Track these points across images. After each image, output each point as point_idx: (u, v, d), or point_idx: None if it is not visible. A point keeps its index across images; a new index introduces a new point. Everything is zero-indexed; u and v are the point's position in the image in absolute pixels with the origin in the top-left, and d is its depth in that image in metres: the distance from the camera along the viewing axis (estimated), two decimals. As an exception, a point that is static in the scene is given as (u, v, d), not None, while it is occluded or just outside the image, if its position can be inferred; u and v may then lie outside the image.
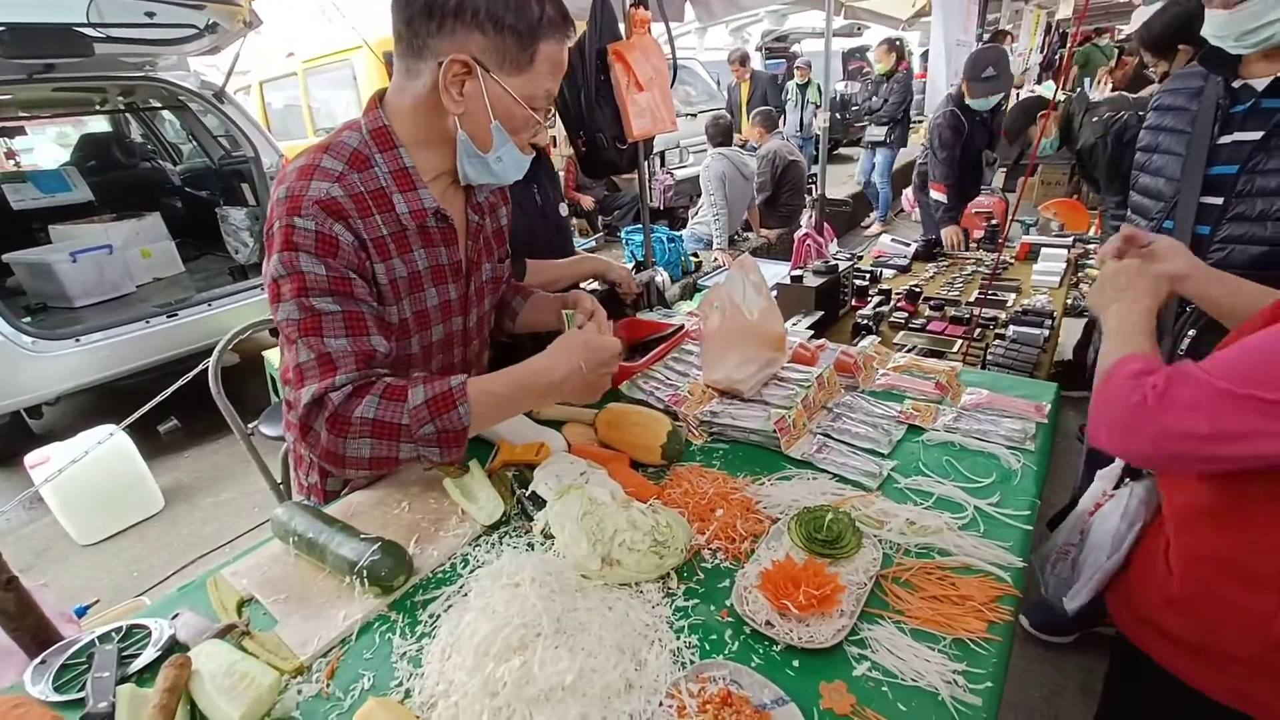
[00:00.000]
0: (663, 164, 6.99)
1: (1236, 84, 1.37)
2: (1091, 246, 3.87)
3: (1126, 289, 0.97)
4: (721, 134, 4.83)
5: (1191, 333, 1.26)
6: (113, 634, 0.91)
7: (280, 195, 0.98)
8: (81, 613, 1.90)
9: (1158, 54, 2.29)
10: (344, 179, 0.99)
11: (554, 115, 1.11)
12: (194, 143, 5.09)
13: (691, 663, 0.81)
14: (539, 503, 1.10)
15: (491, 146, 1.02)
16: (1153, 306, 0.95)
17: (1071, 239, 3.66)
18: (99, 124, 5.79)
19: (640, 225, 5.19)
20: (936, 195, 3.69)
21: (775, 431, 1.23)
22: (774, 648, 0.83)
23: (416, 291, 1.11)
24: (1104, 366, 0.87)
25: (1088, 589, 0.98)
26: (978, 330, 2.47)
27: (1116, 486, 1.05)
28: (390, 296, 1.06)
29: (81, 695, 0.80)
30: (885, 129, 6.62)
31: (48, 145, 7.67)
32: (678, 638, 0.85)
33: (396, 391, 0.98)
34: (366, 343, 1.00)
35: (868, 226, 7.13)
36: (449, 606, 0.93)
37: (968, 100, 3.45)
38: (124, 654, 0.87)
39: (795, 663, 0.81)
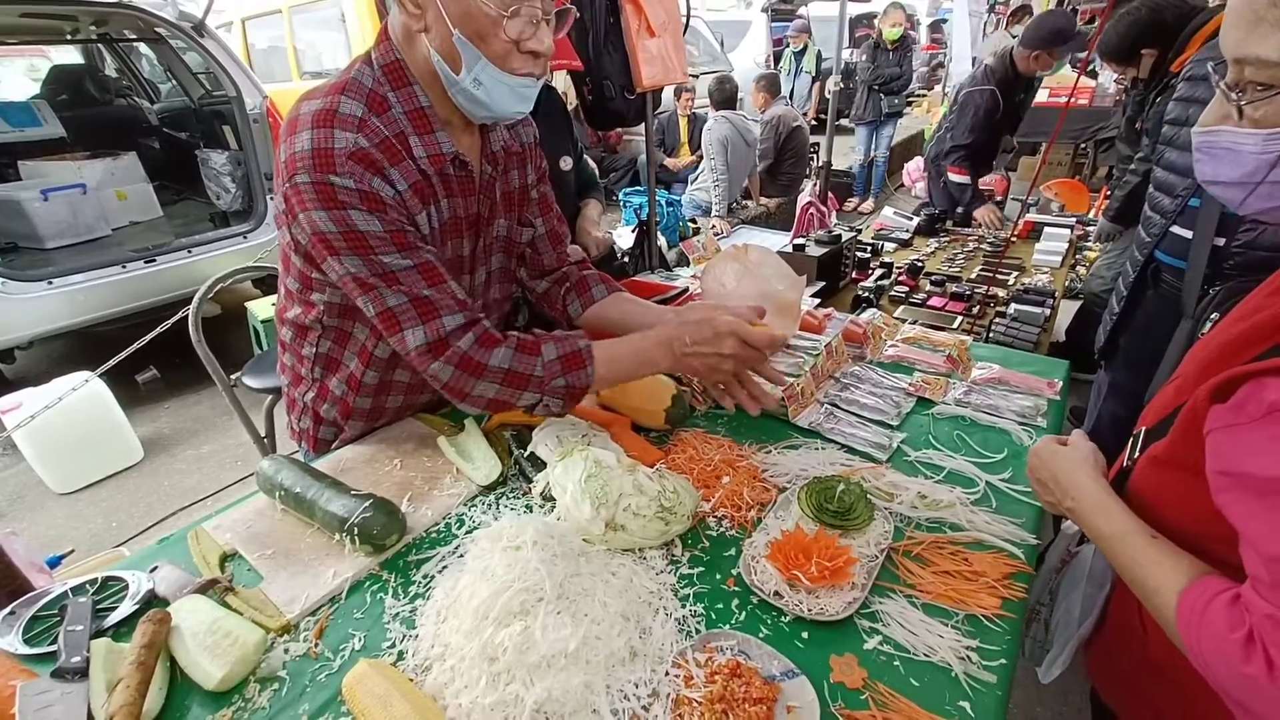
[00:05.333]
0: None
1: (1278, 55, 1.31)
2: (1091, 229, 3.84)
3: (1068, 488, 0.81)
4: (725, 97, 4.69)
5: (1214, 316, 1.23)
6: (87, 586, 0.87)
7: (304, 147, 0.87)
8: (54, 563, 1.85)
9: (1121, 62, 2.29)
10: (366, 125, 0.90)
11: (549, 15, 0.91)
12: (173, 80, 4.83)
13: (697, 632, 0.78)
14: (538, 464, 1.06)
15: (462, 66, 0.89)
16: (1094, 486, 0.78)
17: (1073, 220, 3.62)
18: (71, 55, 5.48)
19: (638, 187, 5.08)
20: (958, 178, 3.49)
21: (783, 399, 1.19)
22: (782, 619, 0.81)
23: (441, 246, 1.03)
24: (1152, 602, 0.68)
25: (1063, 658, 0.89)
26: (978, 307, 2.44)
27: (1081, 543, 0.95)
28: (433, 246, 0.99)
29: (53, 649, 0.76)
30: (901, 99, 6.15)
31: (16, 77, 7.26)
32: (683, 606, 0.82)
33: (529, 346, 0.99)
34: (449, 289, 0.96)
35: (857, 206, 6.74)
36: (444, 568, 0.89)
37: (1039, 73, 3.18)
38: (99, 607, 0.83)
39: (804, 634, 0.79)
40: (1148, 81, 2.21)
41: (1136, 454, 0.79)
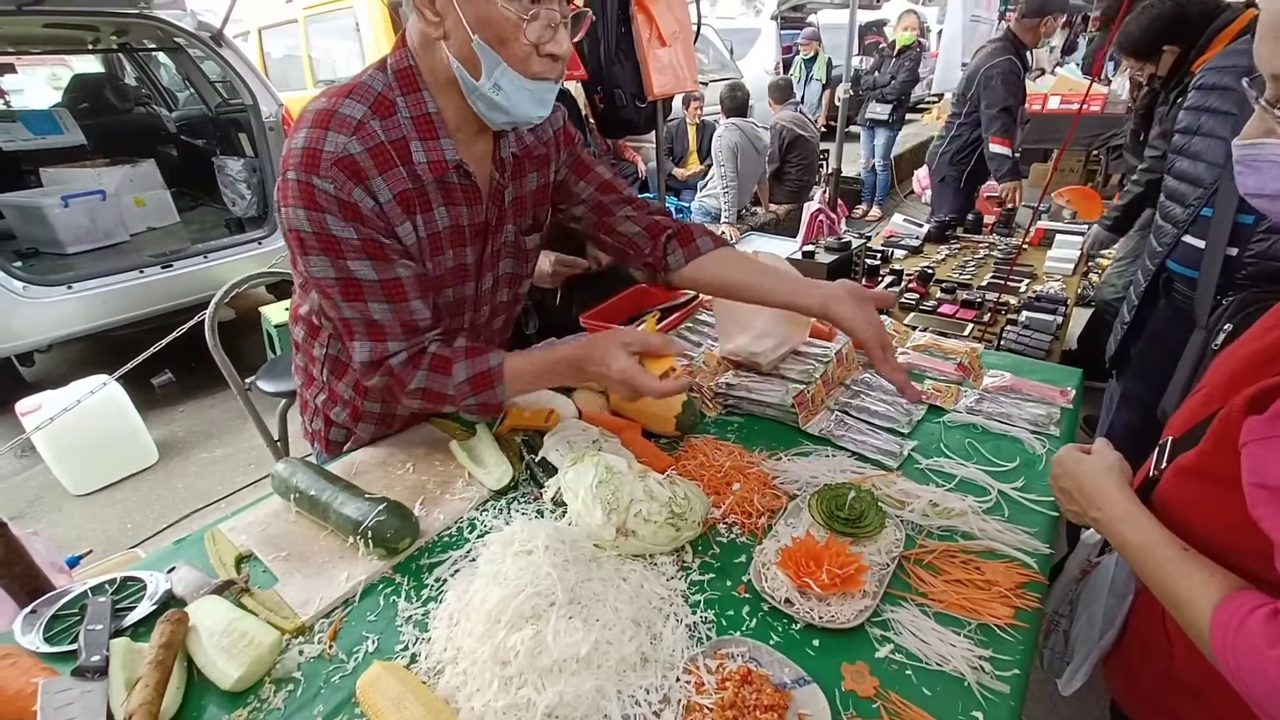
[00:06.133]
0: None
1: (1293, 63, 1.30)
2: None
3: (1093, 498, 0.80)
4: (736, 104, 4.71)
5: (1228, 327, 1.22)
6: (106, 586, 0.88)
7: (298, 144, 0.89)
8: (74, 563, 1.87)
9: (1141, 58, 2.22)
10: (363, 128, 0.91)
11: (566, 19, 0.91)
12: (190, 89, 4.92)
13: (708, 638, 0.79)
14: (549, 469, 1.07)
15: (482, 71, 0.89)
16: (1120, 496, 0.77)
17: (1086, 227, 3.60)
18: (92, 65, 5.59)
19: (647, 195, 5.10)
20: (1000, 149, 3.59)
21: (794, 406, 1.19)
22: (793, 626, 0.81)
23: (436, 255, 1.02)
24: (1184, 615, 0.67)
25: (1084, 670, 0.88)
26: (989, 315, 2.43)
27: (1102, 553, 0.93)
28: (415, 257, 1.00)
29: (74, 647, 0.77)
30: (889, 108, 6.13)
31: (39, 86, 7.43)
32: (694, 612, 0.82)
33: (442, 364, 1.01)
34: (407, 310, 0.98)
35: (865, 213, 6.76)
36: (456, 571, 0.90)
37: (1044, 40, 3.31)
38: (118, 607, 0.84)
39: (815, 642, 0.78)
40: (1166, 80, 2.15)
41: (1164, 464, 0.78)
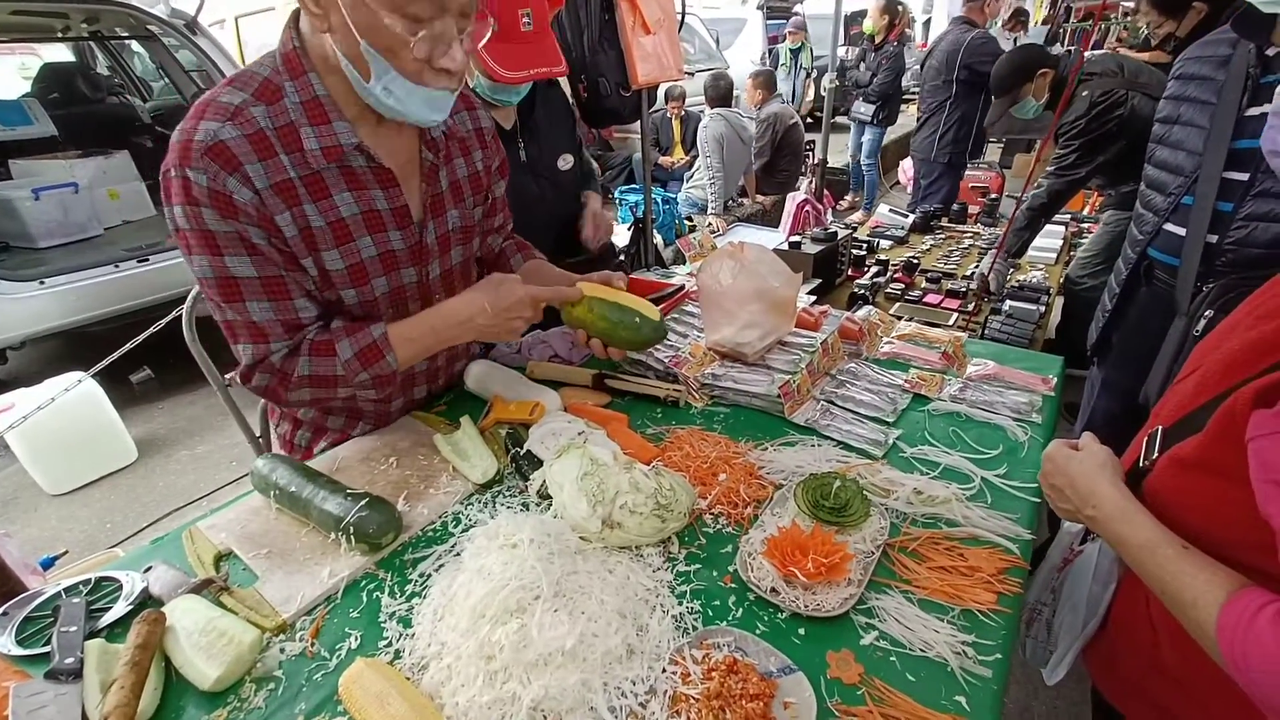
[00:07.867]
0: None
1: (1270, 51, 1.31)
2: (1086, 226, 3.86)
3: (1086, 496, 0.79)
4: (720, 94, 4.69)
5: (1209, 313, 1.23)
6: (80, 586, 0.86)
7: (175, 138, 0.87)
8: (48, 564, 1.84)
9: (1165, 11, 2.08)
10: (240, 114, 0.87)
11: (463, 34, 0.88)
12: (165, 78, 4.80)
13: (694, 629, 0.78)
14: (534, 462, 1.06)
15: (371, 74, 0.86)
16: (1116, 494, 0.76)
17: (1068, 217, 3.64)
18: (62, 54, 5.45)
19: (633, 185, 5.08)
20: None
21: (779, 396, 1.19)
22: (779, 615, 0.81)
23: (345, 242, 0.98)
24: (1188, 615, 0.65)
25: (1067, 660, 0.88)
26: (973, 304, 2.45)
27: (1084, 541, 0.93)
28: (303, 249, 0.95)
29: (47, 650, 0.76)
30: (873, 107, 5.88)
31: (7, 76, 7.22)
32: (680, 603, 0.82)
33: (324, 347, 0.99)
34: (291, 308, 0.97)
35: (851, 209, 6.75)
36: (440, 566, 0.89)
37: (990, 20, 3.65)
38: (93, 608, 0.83)
39: (801, 631, 0.79)
40: (1181, 46, 2.01)
41: (1154, 454, 0.76)
